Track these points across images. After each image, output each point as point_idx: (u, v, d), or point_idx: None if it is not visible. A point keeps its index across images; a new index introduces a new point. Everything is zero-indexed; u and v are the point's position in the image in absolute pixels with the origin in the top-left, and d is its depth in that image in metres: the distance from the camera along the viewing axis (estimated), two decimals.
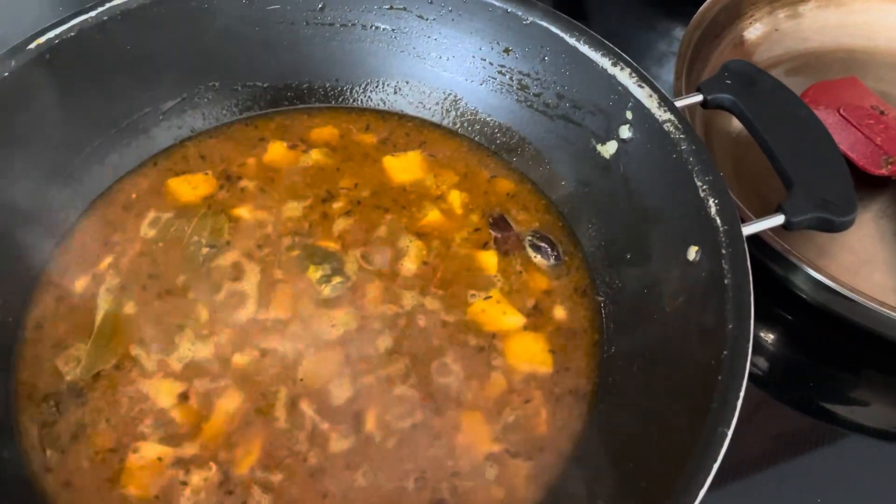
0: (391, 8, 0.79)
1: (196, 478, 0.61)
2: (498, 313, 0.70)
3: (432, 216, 0.76)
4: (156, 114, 0.78)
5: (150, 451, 0.62)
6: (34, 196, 0.70)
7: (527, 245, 0.75)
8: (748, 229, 0.63)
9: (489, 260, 0.73)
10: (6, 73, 0.67)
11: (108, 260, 0.72)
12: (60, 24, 0.70)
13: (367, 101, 0.84)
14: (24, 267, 0.70)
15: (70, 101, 0.72)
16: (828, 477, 0.73)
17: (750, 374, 0.55)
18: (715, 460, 0.51)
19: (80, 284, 0.70)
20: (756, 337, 0.56)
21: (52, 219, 0.72)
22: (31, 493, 0.60)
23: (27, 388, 0.65)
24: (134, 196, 0.75)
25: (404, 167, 0.80)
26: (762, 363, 0.80)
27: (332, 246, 0.74)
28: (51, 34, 0.69)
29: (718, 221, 0.62)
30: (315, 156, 0.80)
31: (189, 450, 0.62)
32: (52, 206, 0.72)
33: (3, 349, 0.66)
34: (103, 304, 0.69)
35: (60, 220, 0.73)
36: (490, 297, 0.71)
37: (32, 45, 0.69)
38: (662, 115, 0.67)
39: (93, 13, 0.71)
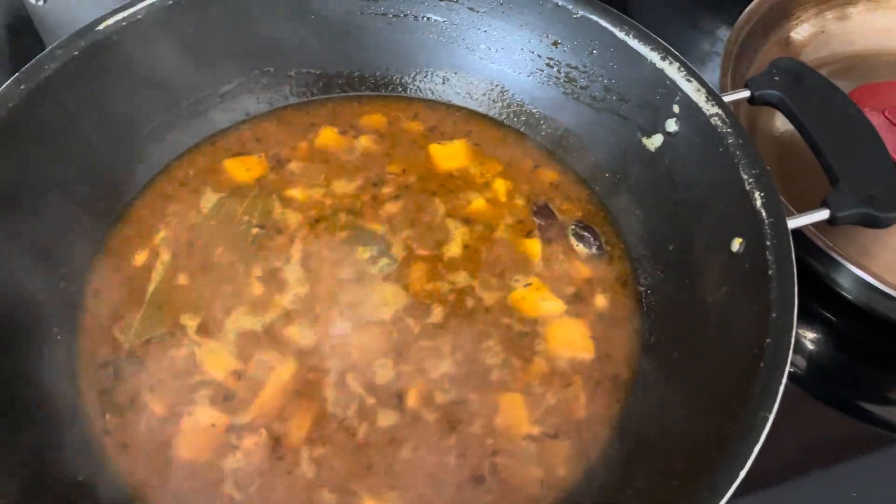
0: None
1: (247, 442, 0.63)
2: (540, 299, 0.72)
3: (477, 203, 0.78)
4: (213, 97, 0.81)
5: (204, 417, 0.65)
6: (96, 171, 0.73)
7: (570, 234, 0.76)
8: (793, 223, 0.64)
9: (533, 247, 0.75)
10: (76, 53, 0.70)
11: (162, 234, 0.74)
12: (129, 6, 0.72)
13: (415, 90, 0.86)
14: (84, 238, 0.72)
15: (133, 81, 0.75)
16: (866, 477, 0.73)
17: (789, 372, 0.55)
18: (756, 443, 0.52)
19: (136, 255, 0.73)
20: (795, 335, 0.57)
21: (113, 193, 0.75)
22: (91, 453, 0.63)
23: (87, 354, 0.68)
24: (191, 173, 0.78)
25: (450, 155, 0.82)
26: (801, 362, 0.80)
27: (379, 228, 0.76)
28: (119, 16, 0.72)
29: (764, 214, 0.63)
30: (364, 142, 0.82)
31: (242, 418, 0.65)
32: (112, 181, 0.75)
33: (64, 317, 0.69)
34: (156, 276, 0.72)
35: (120, 194, 0.76)
36: (532, 283, 0.73)
37: (101, 27, 0.71)
38: (710, 109, 0.68)
39: None
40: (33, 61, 0.69)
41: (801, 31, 0.99)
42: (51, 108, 0.69)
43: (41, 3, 0.81)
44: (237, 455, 0.63)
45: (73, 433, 0.63)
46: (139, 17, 0.73)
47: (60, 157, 0.71)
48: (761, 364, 0.55)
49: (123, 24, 0.72)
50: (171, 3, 0.74)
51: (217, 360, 0.67)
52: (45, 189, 0.69)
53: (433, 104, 0.86)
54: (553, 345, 0.69)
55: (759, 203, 0.63)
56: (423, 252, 0.74)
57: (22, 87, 0.67)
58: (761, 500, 0.70)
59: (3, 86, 0.67)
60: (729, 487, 0.50)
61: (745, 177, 0.65)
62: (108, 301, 0.71)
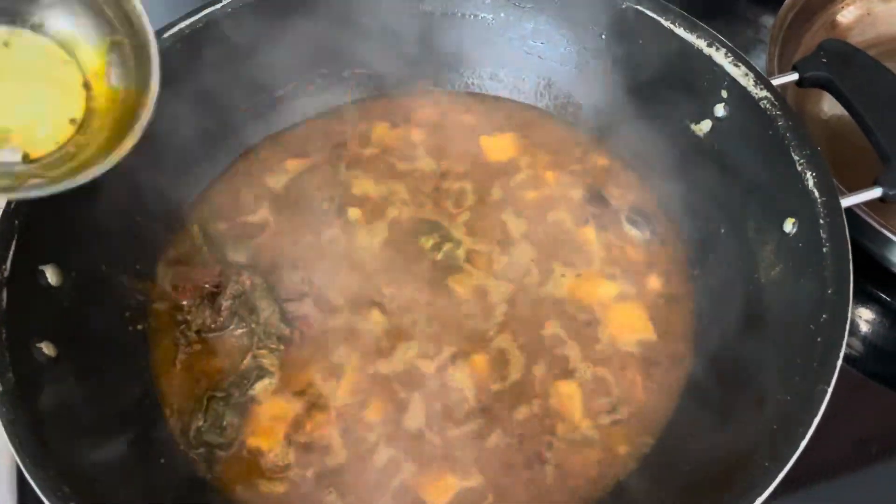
0: None
1: (319, 417, 0.67)
2: (597, 285, 0.73)
3: (530, 193, 0.80)
4: (272, 98, 0.84)
5: (272, 407, 0.68)
6: (169, 174, 0.77)
7: (623, 220, 0.77)
8: (845, 201, 0.64)
9: (587, 235, 0.77)
10: None
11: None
12: (192, 14, 0.76)
13: (464, 85, 0.88)
14: (149, 244, 0.77)
15: (196, 86, 0.78)
16: None
17: (844, 354, 0.56)
18: (816, 415, 0.53)
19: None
20: (850, 316, 0.58)
21: (173, 197, 0.79)
22: (172, 445, 0.67)
23: (162, 347, 0.72)
24: (254, 170, 0.82)
25: (501, 147, 0.84)
26: (856, 343, 0.80)
27: (437, 219, 0.78)
28: (183, 24, 0.75)
29: (816, 193, 0.63)
30: (418, 135, 0.85)
31: (313, 401, 0.68)
32: (177, 184, 0.79)
33: (138, 308, 0.73)
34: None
35: (181, 198, 0.80)
36: (588, 269, 0.74)
37: (167, 35, 0.75)
38: (759, 92, 0.69)
39: (219, 5, 0.77)
40: None
41: (846, 13, 0.98)
42: None
43: None
44: (307, 426, 0.67)
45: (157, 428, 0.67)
46: (201, 25, 0.76)
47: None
48: (818, 339, 0.56)
49: (187, 32, 0.75)
50: (230, 10, 0.77)
51: (286, 348, 0.71)
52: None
53: (483, 97, 0.88)
54: (612, 328, 0.71)
55: (811, 183, 0.64)
56: (480, 242, 0.77)
57: None
58: (823, 489, 0.70)
59: None
60: (790, 458, 0.52)
61: (797, 158, 0.66)
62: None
